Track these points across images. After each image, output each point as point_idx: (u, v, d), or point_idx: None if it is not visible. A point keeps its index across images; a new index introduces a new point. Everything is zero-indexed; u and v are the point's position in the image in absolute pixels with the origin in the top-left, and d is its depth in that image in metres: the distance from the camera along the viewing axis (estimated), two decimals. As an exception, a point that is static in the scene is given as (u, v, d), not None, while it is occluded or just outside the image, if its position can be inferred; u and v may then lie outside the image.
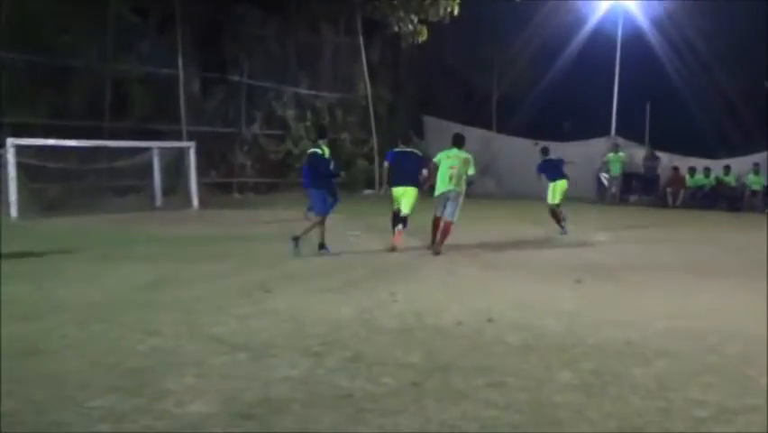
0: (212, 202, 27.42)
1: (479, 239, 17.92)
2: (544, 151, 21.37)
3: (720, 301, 11.04)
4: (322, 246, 15.17)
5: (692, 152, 32.57)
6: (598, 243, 18.31)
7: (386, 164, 17.20)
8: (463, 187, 16.11)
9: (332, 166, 15.45)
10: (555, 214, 20.13)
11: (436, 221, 16.10)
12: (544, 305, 10.43)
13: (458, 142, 16.45)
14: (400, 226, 16.31)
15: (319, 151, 15.26)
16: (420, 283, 12.13)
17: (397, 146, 17.29)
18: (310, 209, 15.65)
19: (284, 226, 17.19)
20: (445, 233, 15.88)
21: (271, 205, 27.06)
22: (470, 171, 16.18)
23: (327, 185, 15.43)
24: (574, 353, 7.95)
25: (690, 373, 7.27)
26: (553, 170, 20.53)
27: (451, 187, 15.87)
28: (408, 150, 17.12)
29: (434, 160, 16.41)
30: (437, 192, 16.05)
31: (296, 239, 14.91)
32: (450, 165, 15.97)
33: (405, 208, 16.33)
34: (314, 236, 15.22)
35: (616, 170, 32.82)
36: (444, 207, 15.96)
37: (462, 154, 16.17)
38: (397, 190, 16.51)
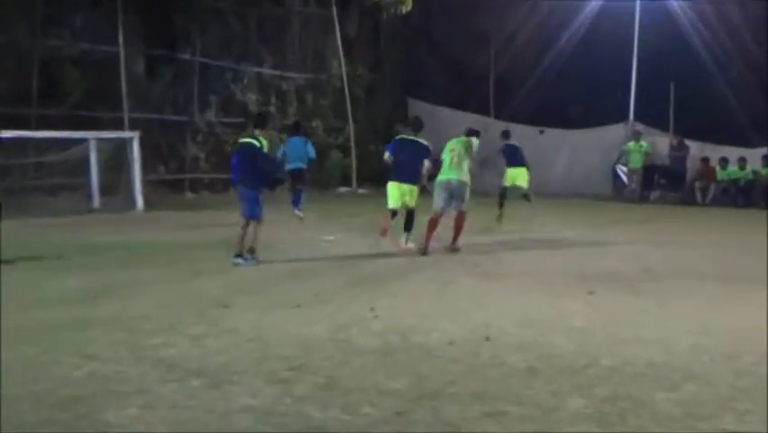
0: (160, 203, 27.34)
1: (474, 243, 17.95)
2: (505, 134, 23.07)
3: (756, 315, 11.07)
4: (238, 255, 14.98)
5: (725, 140, 32.63)
6: (613, 247, 18.35)
7: (386, 155, 17.47)
8: (468, 177, 16.86)
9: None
10: (502, 197, 22.12)
11: (434, 219, 16.63)
12: (550, 320, 10.47)
13: (470, 135, 17.79)
14: (405, 238, 17.00)
15: (255, 142, 15.15)
16: (405, 296, 12.16)
17: (398, 133, 17.82)
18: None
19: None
20: (459, 227, 16.90)
21: (229, 205, 26.94)
22: (473, 151, 17.23)
23: (261, 185, 15.34)
24: (586, 376, 7.98)
25: (721, 399, 7.32)
26: (511, 156, 22.28)
27: (453, 175, 16.71)
28: (413, 138, 17.31)
29: (442, 156, 17.19)
30: (438, 178, 16.92)
31: (250, 251, 14.89)
32: (450, 148, 17.00)
33: (410, 202, 16.99)
34: (248, 243, 15.14)
35: (636, 161, 32.86)
36: (448, 201, 16.73)
37: (465, 139, 17.31)
38: (395, 187, 17.07)
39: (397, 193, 17.06)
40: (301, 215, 22.77)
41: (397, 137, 17.81)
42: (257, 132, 15.42)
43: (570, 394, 7.37)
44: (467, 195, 16.94)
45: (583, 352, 8.85)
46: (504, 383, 7.71)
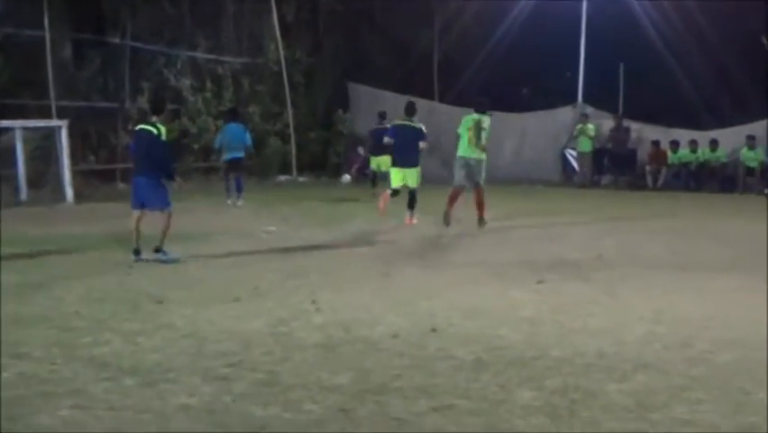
0: (91, 194, 27.12)
1: (419, 233, 18.03)
2: (381, 116, 25.70)
3: (711, 302, 11.24)
4: (137, 252, 14.70)
5: (675, 122, 32.88)
6: (564, 234, 18.48)
7: (386, 140, 20.05)
8: (484, 154, 18.58)
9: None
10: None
11: (454, 194, 18.75)
12: (498, 311, 10.54)
13: (480, 108, 18.97)
14: (409, 214, 19.47)
15: (153, 129, 14.68)
16: (348, 288, 12.18)
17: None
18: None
19: (178, 221, 17.04)
20: (481, 202, 18.73)
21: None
22: (485, 134, 18.46)
23: (160, 173, 14.95)
24: (536, 368, 8.05)
25: (675, 389, 7.41)
26: (376, 141, 23.95)
27: (471, 153, 18.39)
28: (408, 123, 19.60)
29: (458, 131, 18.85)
30: (458, 154, 18.58)
31: (157, 251, 14.67)
32: (467, 127, 18.59)
33: (411, 183, 19.50)
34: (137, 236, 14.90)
35: (585, 146, 32.97)
36: (466, 178, 18.51)
37: (478, 117, 18.57)
38: (397, 171, 19.64)
39: (399, 176, 19.59)
40: (240, 203, 22.79)
41: (394, 122, 20.27)
42: (154, 118, 14.89)
43: (519, 387, 7.42)
44: (483, 171, 18.54)
45: (532, 343, 8.92)
46: (451, 377, 7.74)
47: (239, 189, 23.80)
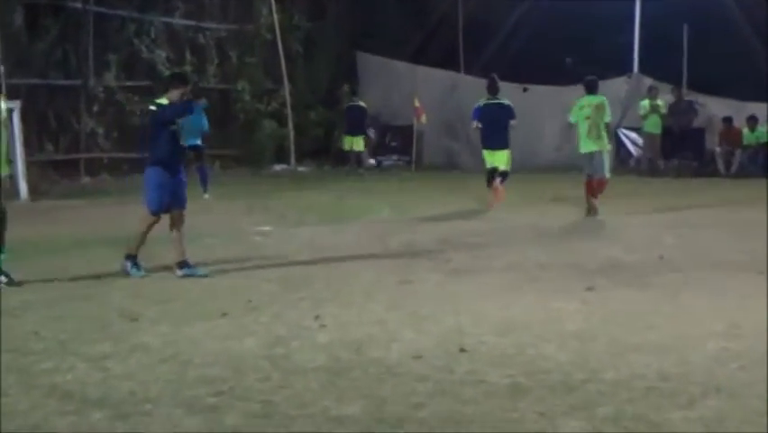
0: (49, 190, 27.22)
1: (444, 232, 18.03)
2: (353, 92, 28.08)
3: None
4: (130, 258, 14.43)
5: (750, 95, 32.46)
6: (618, 232, 18.47)
7: (474, 124, 21.95)
8: (606, 142, 20.24)
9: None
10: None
11: (588, 183, 20.33)
12: (539, 325, 10.55)
13: (589, 87, 20.40)
14: (498, 181, 21.40)
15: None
16: (358, 300, 12.21)
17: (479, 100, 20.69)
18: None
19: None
20: (597, 191, 20.34)
21: (136, 191, 26.85)
22: (606, 119, 20.04)
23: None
24: (585, 393, 8.06)
25: (752, 415, 7.41)
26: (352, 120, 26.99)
27: (592, 145, 19.89)
28: (496, 101, 21.52)
29: (570, 120, 20.53)
30: (581, 151, 20.05)
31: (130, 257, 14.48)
32: (585, 116, 20.04)
33: (501, 165, 21.54)
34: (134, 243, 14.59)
35: (654, 126, 32.08)
36: (593, 166, 20.27)
37: (594, 100, 19.87)
38: (488, 154, 21.74)
39: (489, 159, 21.83)
40: (207, 196, 22.97)
41: (480, 103, 21.88)
42: (173, 93, 14.66)
43: (564, 415, 7.44)
44: (607, 162, 20.63)
45: (580, 363, 8.93)
46: (483, 405, 7.76)
47: (203, 182, 23.90)
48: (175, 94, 14.62)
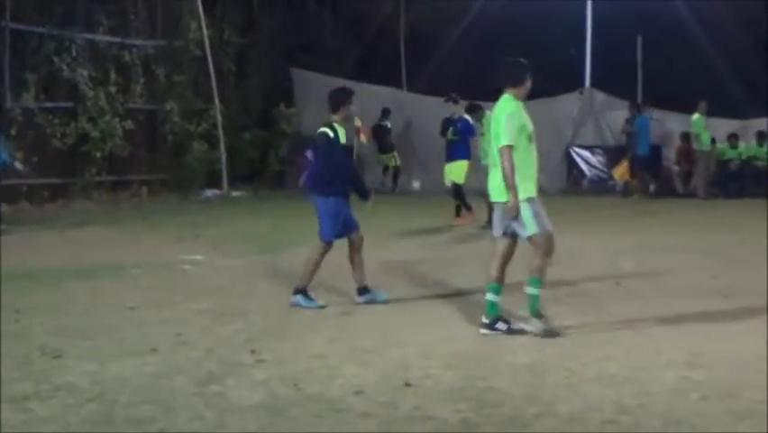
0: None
1: (386, 258, 18.02)
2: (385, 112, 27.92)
3: (761, 339, 11.22)
4: (301, 293, 14.19)
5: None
6: (573, 256, 18.50)
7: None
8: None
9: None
10: None
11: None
12: (489, 357, 10.57)
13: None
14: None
15: (330, 132, 14.33)
16: (296, 333, 12.18)
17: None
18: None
19: (77, 255, 17.00)
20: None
21: (57, 221, 26.75)
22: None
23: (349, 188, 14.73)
24: (539, 428, 8.07)
25: (716, 451, 7.43)
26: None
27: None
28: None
29: None
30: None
31: (301, 292, 14.19)
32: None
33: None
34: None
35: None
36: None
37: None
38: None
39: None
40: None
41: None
42: (334, 117, 14.45)
43: (518, 453, 7.44)
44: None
45: (533, 397, 8.94)
46: (431, 443, 7.75)
47: None
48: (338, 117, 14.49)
